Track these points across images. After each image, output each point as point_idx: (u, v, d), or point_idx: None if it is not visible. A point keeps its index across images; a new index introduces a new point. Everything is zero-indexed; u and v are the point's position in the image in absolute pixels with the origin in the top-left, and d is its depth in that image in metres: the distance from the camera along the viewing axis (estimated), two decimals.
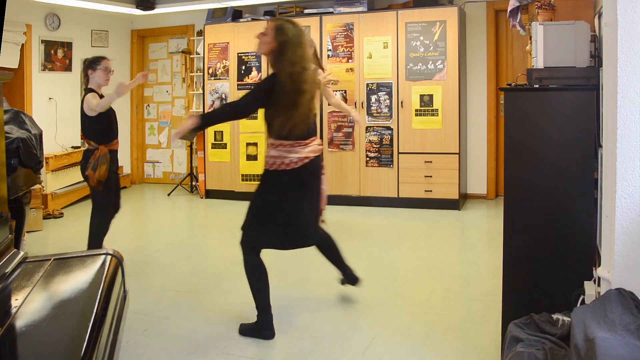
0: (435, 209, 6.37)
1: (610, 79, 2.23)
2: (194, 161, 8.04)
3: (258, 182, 3.27)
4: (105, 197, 4.38)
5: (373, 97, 6.58)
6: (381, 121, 6.60)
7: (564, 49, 2.67)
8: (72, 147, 7.19)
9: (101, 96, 4.38)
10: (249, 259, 3.24)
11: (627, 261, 2.18)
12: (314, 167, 3.19)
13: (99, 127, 4.34)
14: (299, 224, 3.20)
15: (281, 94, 3.03)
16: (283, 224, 3.16)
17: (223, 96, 7.29)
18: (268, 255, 5.11)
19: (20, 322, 1.73)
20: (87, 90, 4.40)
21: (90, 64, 4.43)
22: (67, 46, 7.40)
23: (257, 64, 7.09)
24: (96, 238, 4.38)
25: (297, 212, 3.17)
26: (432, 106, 6.40)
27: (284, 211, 3.14)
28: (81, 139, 7.42)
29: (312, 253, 4.34)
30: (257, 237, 3.22)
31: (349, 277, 3.65)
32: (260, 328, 3.17)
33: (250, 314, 3.54)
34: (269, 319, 3.18)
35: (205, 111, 7.42)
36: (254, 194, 3.24)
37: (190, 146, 8.08)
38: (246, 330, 3.22)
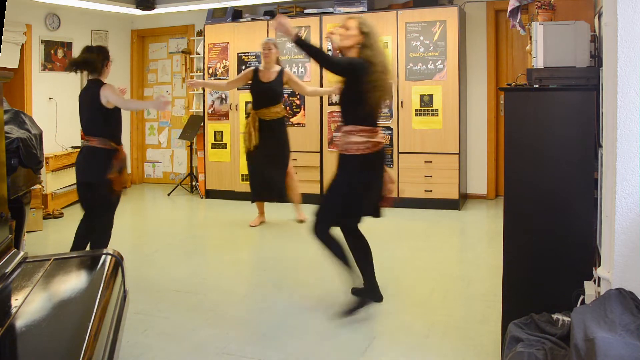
0: (435, 209, 6.37)
1: (610, 79, 2.23)
2: (194, 161, 8.04)
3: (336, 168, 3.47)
4: (117, 199, 4.09)
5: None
6: (381, 121, 6.59)
7: (564, 49, 2.67)
8: (72, 147, 7.19)
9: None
10: (330, 245, 3.40)
11: (627, 261, 2.18)
12: (384, 152, 3.53)
13: (117, 123, 4.03)
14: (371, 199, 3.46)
15: (369, 81, 3.28)
16: (362, 199, 3.40)
17: (223, 96, 7.29)
18: (268, 255, 5.11)
19: (20, 322, 1.73)
20: (98, 82, 4.05)
21: (108, 55, 4.25)
22: (67, 46, 7.40)
23: (257, 64, 7.08)
24: (103, 241, 4.11)
25: (371, 190, 3.43)
26: (432, 106, 6.40)
27: (364, 189, 3.39)
28: (82, 138, 7.42)
29: (312, 253, 4.34)
30: (337, 218, 3.45)
31: (372, 290, 3.57)
32: (369, 290, 3.51)
33: (251, 314, 3.54)
34: (374, 281, 3.53)
35: (206, 111, 7.42)
36: (336, 180, 3.44)
37: (190, 146, 8.08)
38: (358, 291, 3.51)
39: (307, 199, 6.86)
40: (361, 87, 3.28)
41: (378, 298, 3.58)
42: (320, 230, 3.39)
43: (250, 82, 5.55)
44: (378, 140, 3.40)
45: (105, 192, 3.93)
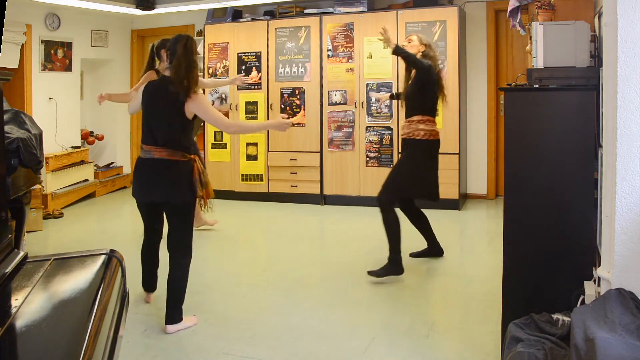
0: (435, 209, 6.35)
1: (610, 79, 2.23)
2: None
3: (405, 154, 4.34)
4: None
5: (373, 97, 6.57)
6: (381, 121, 6.60)
7: (564, 49, 2.67)
8: (72, 147, 7.19)
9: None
10: (387, 215, 4.08)
11: (627, 261, 2.18)
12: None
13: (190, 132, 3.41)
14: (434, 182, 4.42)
15: (435, 82, 4.25)
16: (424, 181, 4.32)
17: (223, 96, 7.29)
18: (268, 255, 5.10)
19: (20, 322, 1.73)
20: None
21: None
22: (67, 46, 7.39)
23: (257, 64, 7.09)
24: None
25: (433, 173, 4.40)
26: None
27: (429, 170, 4.35)
28: (82, 136, 7.42)
29: (312, 253, 4.34)
30: (400, 194, 4.31)
31: (435, 249, 4.53)
32: (392, 264, 3.97)
33: (251, 314, 3.54)
34: (399, 258, 3.98)
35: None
36: (405, 162, 4.32)
37: None
38: (378, 271, 3.97)
39: (307, 199, 6.88)
40: (431, 84, 4.19)
41: (440, 252, 4.53)
42: (385, 201, 4.09)
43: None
44: (437, 129, 4.30)
45: (188, 207, 3.36)
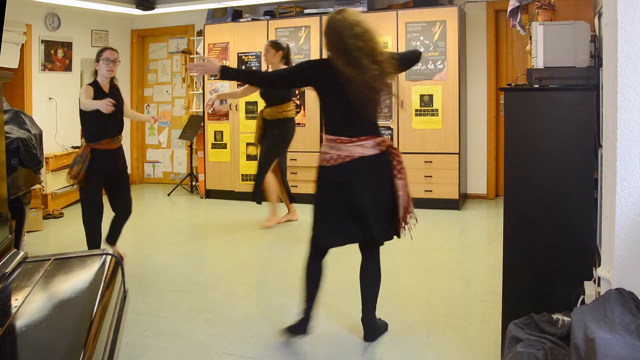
0: (435, 209, 6.37)
1: (610, 79, 2.23)
2: (194, 161, 8.04)
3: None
4: (88, 196, 4.35)
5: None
6: (381, 121, 6.59)
7: (564, 49, 2.67)
8: (72, 147, 7.19)
9: (101, 89, 4.27)
10: (308, 256, 3.12)
11: (627, 261, 2.18)
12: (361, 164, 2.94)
13: (86, 124, 4.34)
14: (355, 216, 2.96)
15: (326, 83, 3.06)
16: (335, 218, 2.98)
17: None
18: (268, 255, 5.10)
19: (20, 322, 1.73)
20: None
21: (96, 57, 4.39)
22: (67, 46, 7.39)
23: (257, 64, 7.08)
24: (90, 239, 4.36)
25: (347, 205, 2.96)
26: (432, 106, 6.40)
27: (335, 204, 2.97)
28: (82, 136, 7.43)
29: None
30: (317, 233, 3.06)
31: (365, 326, 3.13)
32: (297, 325, 3.05)
33: (251, 314, 3.54)
34: (305, 320, 3.04)
35: (206, 111, 7.42)
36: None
37: (190, 146, 8.08)
38: (288, 328, 3.08)
39: (307, 199, 6.86)
40: (318, 92, 3.01)
41: (367, 337, 3.11)
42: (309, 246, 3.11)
43: None
44: (347, 153, 2.90)
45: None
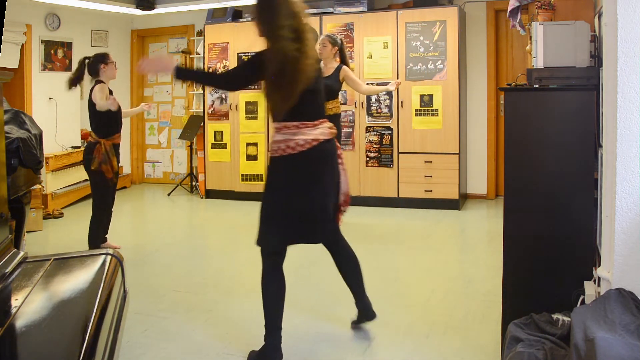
0: (435, 209, 6.37)
1: (610, 79, 2.23)
2: (194, 161, 8.04)
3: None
4: (109, 192, 4.59)
5: (373, 97, 6.57)
6: (381, 121, 6.60)
7: (564, 49, 2.67)
8: (72, 147, 7.19)
9: (109, 89, 4.58)
10: (265, 266, 2.96)
11: (627, 261, 2.18)
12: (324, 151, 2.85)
13: (102, 120, 4.50)
14: (308, 215, 2.82)
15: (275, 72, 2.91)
16: (291, 215, 2.82)
17: (223, 96, 7.29)
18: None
19: (20, 322, 1.73)
20: (97, 82, 4.54)
21: (102, 59, 4.61)
22: (67, 46, 7.40)
23: None
24: (95, 237, 4.48)
25: (306, 201, 2.81)
26: (432, 106, 6.40)
27: (293, 199, 2.81)
28: (82, 136, 7.43)
29: (312, 253, 4.34)
30: (266, 233, 2.90)
31: (365, 310, 3.17)
32: (265, 351, 2.84)
33: (251, 314, 3.53)
34: (276, 341, 2.84)
35: (206, 111, 7.42)
36: (264, 187, 2.95)
37: (190, 146, 8.08)
38: (253, 358, 2.89)
39: None
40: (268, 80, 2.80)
41: (371, 316, 3.18)
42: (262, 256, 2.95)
43: None
44: (312, 137, 2.78)
45: (95, 185, 4.57)
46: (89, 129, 4.63)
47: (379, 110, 6.59)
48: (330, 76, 5.46)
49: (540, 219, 2.66)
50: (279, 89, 2.76)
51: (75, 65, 4.77)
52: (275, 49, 2.76)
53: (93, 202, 4.61)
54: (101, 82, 4.55)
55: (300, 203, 2.81)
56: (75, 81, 4.58)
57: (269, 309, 2.88)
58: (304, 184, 2.81)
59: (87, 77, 4.64)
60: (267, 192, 2.89)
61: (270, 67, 2.75)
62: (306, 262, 4.57)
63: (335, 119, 5.55)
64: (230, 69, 3.11)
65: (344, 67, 5.48)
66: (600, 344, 1.83)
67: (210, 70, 7.16)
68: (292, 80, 2.73)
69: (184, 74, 2.95)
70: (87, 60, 4.64)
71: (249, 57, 2.93)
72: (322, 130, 2.84)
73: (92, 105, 4.51)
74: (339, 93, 5.54)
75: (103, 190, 4.55)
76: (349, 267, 3.12)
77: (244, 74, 2.94)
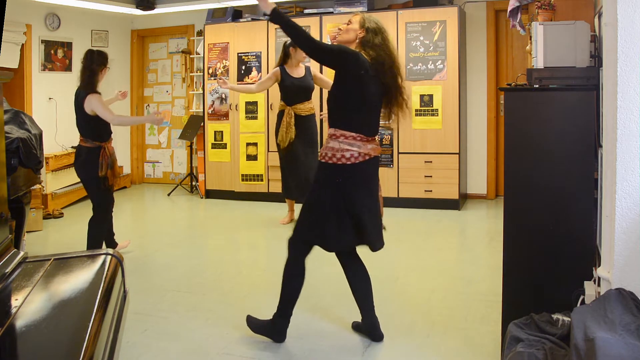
0: (435, 209, 6.37)
1: (610, 79, 2.23)
2: (194, 161, 8.04)
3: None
4: (109, 195, 4.53)
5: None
6: (381, 121, 6.59)
7: (564, 49, 2.67)
8: (72, 147, 7.17)
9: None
10: (293, 254, 3.07)
11: (627, 261, 2.18)
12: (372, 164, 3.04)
13: (99, 125, 4.46)
14: (361, 218, 2.93)
15: (362, 79, 3.06)
16: (339, 221, 2.92)
17: (223, 96, 7.29)
18: (268, 255, 5.11)
19: (20, 322, 1.73)
20: (88, 88, 4.43)
21: (105, 61, 4.59)
22: (67, 46, 7.40)
23: (257, 64, 7.08)
24: (96, 240, 4.42)
25: (356, 209, 2.92)
26: (432, 106, 6.40)
27: (342, 207, 2.91)
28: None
29: (311, 253, 4.33)
30: (308, 232, 3.01)
31: (373, 330, 3.13)
32: (273, 329, 3.11)
33: (251, 314, 3.54)
34: (284, 325, 3.11)
35: (206, 111, 7.42)
36: (311, 190, 3.03)
37: (190, 146, 8.08)
38: (257, 327, 3.16)
39: None
40: (352, 83, 2.90)
41: (377, 337, 3.11)
42: (292, 247, 3.07)
43: (280, 80, 5.50)
44: (367, 151, 2.96)
45: (94, 189, 4.44)
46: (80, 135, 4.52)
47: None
48: (304, 77, 5.54)
49: (540, 219, 2.66)
50: (361, 100, 2.97)
51: (75, 65, 4.76)
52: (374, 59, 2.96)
53: (94, 207, 4.48)
54: (96, 93, 4.39)
55: (357, 207, 2.93)
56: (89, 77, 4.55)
57: (286, 295, 3.09)
58: (362, 190, 2.97)
59: (75, 70, 4.63)
60: (323, 191, 2.96)
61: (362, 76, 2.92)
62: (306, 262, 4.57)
63: (311, 119, 5.58)
64: (323, 42, 3.24)
65: (311, 67, 5.64)
66: (600, 344, 1.83)
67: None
68: (373, 95, 3.00)
69: (280, 18, 2.87)
70: (92, 54, 4.58)
71: (345, 48, 2.97)
72: (373, 146, 3.04)
73: (84, 112, 4.38)
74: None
75: (104, 193, 4.45)
76: (362, 283, 3.16)
77: (331, 57, 2.97)
